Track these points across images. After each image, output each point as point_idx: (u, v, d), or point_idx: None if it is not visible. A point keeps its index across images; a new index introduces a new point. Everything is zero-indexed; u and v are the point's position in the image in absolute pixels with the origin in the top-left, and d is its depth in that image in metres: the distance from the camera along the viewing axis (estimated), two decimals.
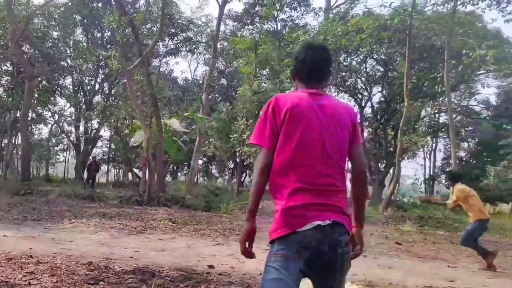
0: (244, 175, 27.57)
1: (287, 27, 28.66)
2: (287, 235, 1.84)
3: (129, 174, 29.46)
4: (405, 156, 27.46)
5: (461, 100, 28.41)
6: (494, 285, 5.82)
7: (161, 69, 29.32)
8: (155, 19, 22.61)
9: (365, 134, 30.55)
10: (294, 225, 1.84)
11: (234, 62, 25.83)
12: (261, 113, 2.09)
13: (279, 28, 28.05)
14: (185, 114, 19.60)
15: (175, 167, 33.35)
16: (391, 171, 24.63)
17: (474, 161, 27.35)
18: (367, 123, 30.78)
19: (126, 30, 17.90)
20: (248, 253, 1.99)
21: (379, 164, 28.98)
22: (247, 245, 1.98)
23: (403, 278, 5.69)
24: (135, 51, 19.14)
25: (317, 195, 1.89)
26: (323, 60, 2.17)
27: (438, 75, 23.11)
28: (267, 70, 22.68)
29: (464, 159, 28.08)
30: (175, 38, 26.56)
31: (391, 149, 26.77)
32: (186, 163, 29.17)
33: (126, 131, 19.99)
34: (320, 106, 2.03)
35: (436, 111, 28.18)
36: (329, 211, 1.88)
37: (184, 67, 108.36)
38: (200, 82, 32.26)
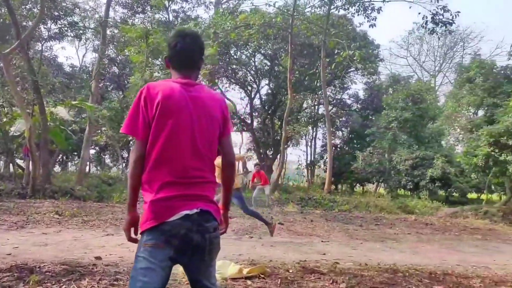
0: None
1: (179, 18, 28.58)
2: (156, 226, 1.87)
3: (11, 165, 27.01)
4: (290, 143, 29.47)
5: (335, 94, 30.89)
6: (357, 255, 6.71)
7: (45, 54, 27.20)
8: (36, 0, 21.03)
9: (255, 123, 32.00)
10: (163, 216, 1.87)
11: (125, 50, 25.15)
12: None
13: (171, 18, 27.83)
14: (73, 102, 18.67)
15: (64, 157, 31.34)
16: (278, 157, 26.04)
17: (347, 148, 30.08)
18: (256, 114, 32.24)
19: (2, 10, 16.38)
20: (134, 240, 2.02)
21: (268, 151, 30.64)
22: (132, 233, 2.01)
23: (283, 255, 6.25)
24: (13, 33, 17.66)
25: (186, 187, 1.94)
26: (195, 48, 2.13)
27: (317, 71, 25.14)
28: (159, 60, 22.56)
29: (338, 146, 30.86)
30: (59, 21, 24.77)
31: (277, 137, 28.34)
32: (76, 153, 27.62)
33: (5, 120, 18.45)
34: (192, 98, 2.01)
35: (315, 103, 30.65)
36: (197, 201, 1.94)
37: (72, 53, 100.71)
38: (90, 69, 30.68)
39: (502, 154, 14.64)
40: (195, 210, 1.91)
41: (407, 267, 5.59)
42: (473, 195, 25.46)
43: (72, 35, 27.20)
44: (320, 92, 27.46)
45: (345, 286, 4.38)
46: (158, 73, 21.35)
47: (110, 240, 6.73)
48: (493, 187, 22.10)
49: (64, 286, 3.78)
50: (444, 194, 23.18)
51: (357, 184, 29.18)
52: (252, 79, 31.08)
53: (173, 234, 1.86)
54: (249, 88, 31.51)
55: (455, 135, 25.08)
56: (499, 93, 18.36)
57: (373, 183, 26.98)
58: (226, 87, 30.92)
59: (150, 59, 22.60)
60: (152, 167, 1.94)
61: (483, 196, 23.41)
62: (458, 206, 18.07)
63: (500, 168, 15.43)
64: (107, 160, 33.92)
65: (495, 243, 9.46)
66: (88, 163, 25.12)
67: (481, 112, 20.85)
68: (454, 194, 23.07)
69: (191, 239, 1.90)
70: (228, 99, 29.64)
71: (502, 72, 19.53)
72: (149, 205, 1.90)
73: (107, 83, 30.87)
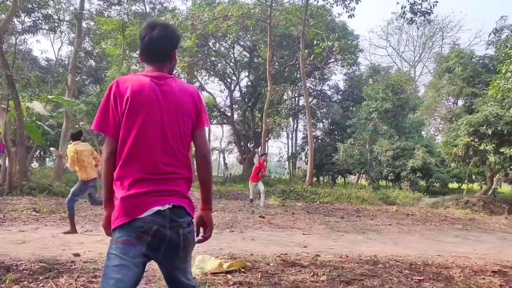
0: None
1: (156, 10, 28.19)
2: (127, 223, 1.84)
3: None
4: (271, 136, 29.53)
5: (316, 85, 31.06)
6: (338, 247, 6.74)
7: (19, 48, 26.52)
8: None
9: (235, 116, 31.90)
10: (134, 213, 1.84)
11: (102, 43, 24.71)
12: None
13: (147, 10, 27.44)
14: (49, 96, 18.27)
15: (41, 153, 30.70)
16: (259, 150, 26.06)
17: (328, 139, 30.26)
18: (236, 106, 32.13)
19: None
20: None
21: (248, 144, 30.59)
22: (111, 229, 1.97)
23: (264, 248, 6.24)
24: None
25: (157, 183, 1.91)
26: (164, 39, 2.07)
27: (296, 62, 25.10)
28: (136, 52, 22.20)
29: (319, 138, 31.02)
30: (33, 14, 24.16)
31: (258, 130, 28.34)
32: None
33: None
34: (163, 92, 1.97)
35: (296, 95, 30.71)
36: (169, 196, 1.91)
37: (47, 47, 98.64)
38: (66, 63, 30.05)
39: (482, 144, 14.85)
40: (167, 206, 1.89)
41: (388, 258, 5.58)
42: (454, 185, 25.91)
43: (46, 28, 26.56)
44: (300, 84, 27.55)
45: (325, 279, 4.33)
46: (136, 66, 21.11)
47: (89, 237, 6.70)
48: (473, 176, 22.49)
49: (41, 284, 3.71)
50: (425, 184, 23.54)
51: (339, 176, 29.41)
52: (232, 71, 30.95)
53: (145, 231, 1.84)
54: (229, 80, 31.39)
55: (435, 125, 25.50)
56: (477, 82, 18.64)
57: (355, 175, 27.23)
58: (206, 80, 30.84)
59: (127, 51, 22.28)
60: (123, 164, 1.92)
61: (464, 186, 23.83)
62: (439, 196, 18.35)
63: (479, 157, 15.67)
64: None
65: (475, 233, 9.60)
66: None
67: (460, 102, 21.15)
68: (435, 184, 23.44)
69: (164, 235, 1.88)
70: (207, 91, 29.51)
71: (481, 61, 19.81)
72: (120, 202, 1.88)
73: (84, 77, 30.37)
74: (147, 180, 1.90)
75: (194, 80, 26.01)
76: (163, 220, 1.87)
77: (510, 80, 12.74)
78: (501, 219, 12.70)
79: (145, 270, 1.96)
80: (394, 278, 4.50)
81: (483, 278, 4.70)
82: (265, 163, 13.60)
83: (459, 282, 4.48)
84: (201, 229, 2.13)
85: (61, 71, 27.74)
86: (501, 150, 14.23)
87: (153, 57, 2.08)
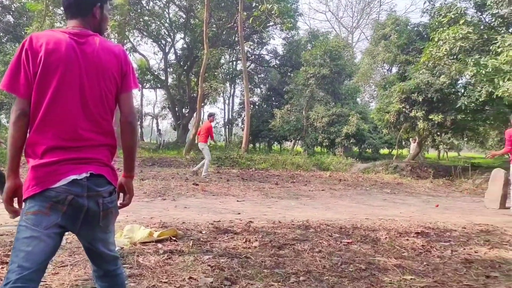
0: None
1: None
2: (39, 193, 1.74)
3: None
4: (207, 101, 29.20)
5: (254, 49, 30.87)
6: (271, 213, 6.95)
7: None
8: None
9: (170, 80, 31.09)
10: (47, 182, 1.75)
11: None
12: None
13: None
14: None
15: None
16: (194, 116, 25.79)
17: (265, 105, 30.60)
18: (171, 70, 31.26)
19: None
20: (16, 212, 1.86)
21: (183, 110, 30.09)
22: (14, 204, 1.85)
23: (196, 216, 6.28)
24: None
25: (74, 151, 1.82)
26: None
27: (234, 25, 24.70)
28: (61, 8, 20.56)
29: (257, 104, 31.20)
30: None
31: (194, 95, 27.90)
32: None
33: None
34: (83, 52, 1.85)
35: (233, 59, 30.45)
36: (86, 164, 1.83)
37: None
38: None
39: (412, 110, 15.71)
40: (84, 175, 1.80)
41: (319, 223, 5.82)
42: (385, 151, 27.40)
43: None
44: (238, 47, 27.25)
45: (258, 244, 4.44)
46: (60, 23, 19.57)
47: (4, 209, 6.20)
48: (403, 142, 23.81)
49: None
50: (357, 150, 24.63)
51: (275, 143, 29.95)
52: (167, 33, 29.93)
53: (59, 201, 1.75)
54: (163, 42, 30.37)
55: (370, 92, 26.49)
56: (411, 50, 19.43)
57: (291, 141, 27.85)
58: (138, 41, 29.53)
59: (50, 7, 20.63)
60: (36, 129, 1.79)
61: (394, 152, 25.22)
62: (371, 162, 19.29)
63: (410, 124, 16.60)
64: (3, 120, 31.04)
65: (402, 196, 10.27)
66: None
67: (394, 69, 22.03)
68: (367, 150, 24.62)
69: (81, 205, 1.79)
70: (140, 53, 28.36)
71: (415, 29, 20.60)
72: (32, 171, 1.77)
73: (1, 34, 27.87)
74: (63, 148, 1.80)
75: (125, 41, 24.82)
76: (79, 189, 1.78)
77: (441, 48, 13.42)
78: (427, 183, 13.66)
79: (69, 242, 1.87)
80: (324, 242, 4.71)
81: (407, 239, 5.04)
82: (212, 124, 12.54)
83: (384, 244, 4.78)
84: (121, 196, 2.08)
85: None
86: (430, 117, 15.16)
87: (72, 11, 1.95)
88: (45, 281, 3.05)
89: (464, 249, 4.66)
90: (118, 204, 2.04)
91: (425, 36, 18.94)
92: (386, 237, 5.13)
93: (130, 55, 28.38)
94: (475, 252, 4.55)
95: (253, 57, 30.88)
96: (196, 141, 20.22)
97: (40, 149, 1.78)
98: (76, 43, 1.85)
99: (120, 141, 1.98)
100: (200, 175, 12.09)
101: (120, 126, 2.01)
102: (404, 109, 15.99)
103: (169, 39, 30.38)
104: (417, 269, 3.82)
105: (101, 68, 1.89)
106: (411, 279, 3.54)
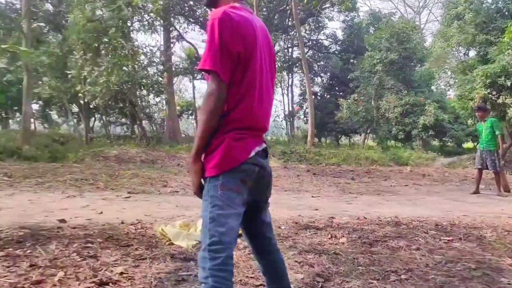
0: (93, 119, 26.05)
1: None
2: (234, 168, 1.85)
3: None
4: None
5: (310, 34, 30.23)
6: (352, 209, 6.75)
7: None
8: None
9: None
10: (240, 156, 1.85)
11: None
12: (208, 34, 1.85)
13: None
14: (3, 46, 17.44)
15: (3, 114, 29.85)
16: None
17: (328, 96, 29.90)
18: None
19: None
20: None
21: None
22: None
23: (271, 210, 6.30)
24: None
25: (255, 125, 1.93)
26: None
27: (287, 7, 24.25)
28: None
29: (319, 94, 30.60)
30: None
31: None
32: (17, 108, 26.21)
33: None
34: (259, 29, 1.96)
35: (289, 45, 30.00)
36: (260, 136, 2.00)
37: None
38: (18, 6, 28.57)
39: (500, 97, 14.76)
40: (263, 146, 2.00)
41: (410, 219, 5.61)
42: (469, 144, 26.02)
43: None
44: (293, 33, 26.90)
45: (345, 241, 4.33)
46: (101, 10, 19.59)
47: (74, 202, 6.62)
48: None
49: (29, 251, 3.64)
50: (438, 144, 23.60)
51: (343, 136, 29.34)
52: None
53: (249, 174, 1.91)
54: None
55: (445, 78, 25.23)
56: (492, 29, 18.28)
57: (361, 134, 27.14)
58: (185, 28, 29.24)
59: None
60: (230, 110, 1.87)
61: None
62: (455, 156, 18.41)
63: (498, 112, 15.60)
64: (54, 116, 32.41)
65: None
66: (32, 119, 23.85)
67: (472, 52, 20.87)
68: (449, 143, 23.51)
69: (263, 176, 2.00)
70: (187, 41, 28.34)
71: (494, 6, 19.36)
72: (224, 146, 1.84)
73: (42, 24, 28.92)
74: (248, 126, 1.92)
75: (171, 28, 25.08)
76: (261, 160, 1.96)
77: None
78: None
79: None
80: (420, 239, 4.53)
81: None
82: None
83: (492, 242, 4.50)
84: None
85: (13, 16, 26.14)
86: None
87: None
88: (127, 273, 3.14)
89: None
90: None
91: (507, 13, 17.76)
92: (493, 235, 4.85)
93: (178, 43, 28.70)
94: None
95: (310, 43, 30.23)
96: None
97: (230, 126, 1.87)
98: (255, 21, 1.97)
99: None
100: None
101: None
102: (490, 95, 15.03)
103: None
104: None
105: (269, 46, 2.08)
106: None
